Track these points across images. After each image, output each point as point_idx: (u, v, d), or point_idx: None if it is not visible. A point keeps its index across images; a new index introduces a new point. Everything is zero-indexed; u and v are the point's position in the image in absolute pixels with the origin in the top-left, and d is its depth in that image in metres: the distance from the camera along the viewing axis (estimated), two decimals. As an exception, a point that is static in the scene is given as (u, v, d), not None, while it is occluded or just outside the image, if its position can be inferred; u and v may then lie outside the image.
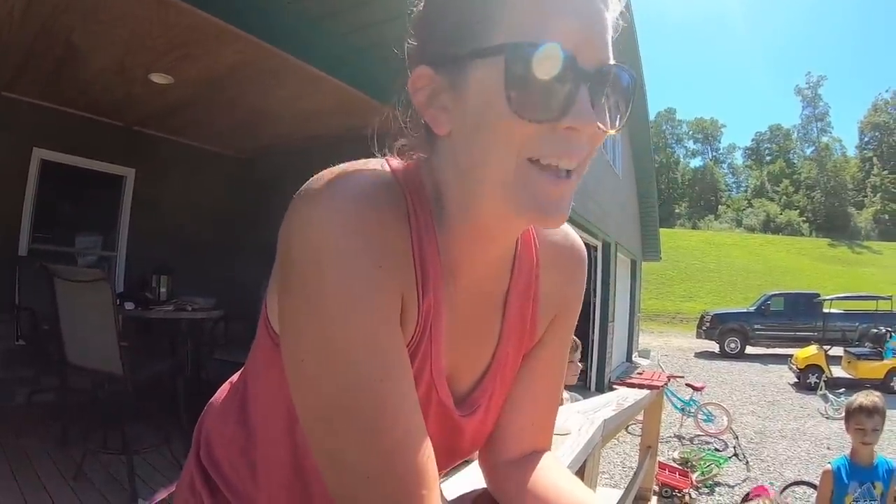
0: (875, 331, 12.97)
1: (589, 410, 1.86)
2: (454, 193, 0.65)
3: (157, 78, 4.89)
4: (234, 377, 0.93)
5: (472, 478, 1.01)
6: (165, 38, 4.09)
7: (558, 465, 0.86)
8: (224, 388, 0.94)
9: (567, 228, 0.85)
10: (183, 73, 4.77)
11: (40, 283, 4.01)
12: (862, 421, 3.12)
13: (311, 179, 0.60)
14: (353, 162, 0.64)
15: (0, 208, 5.58)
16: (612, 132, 0.60)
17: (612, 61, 0.58)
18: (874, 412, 3.10)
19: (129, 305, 4.84)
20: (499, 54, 0.54)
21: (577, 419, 1.67)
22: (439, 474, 0.87)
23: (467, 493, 0.95)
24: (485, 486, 0.91)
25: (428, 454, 0.59)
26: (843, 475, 3.21)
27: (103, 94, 5.49)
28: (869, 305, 17.32)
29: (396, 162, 0.69)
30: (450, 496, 0.97)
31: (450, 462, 0.85)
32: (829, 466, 3.30)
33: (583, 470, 1.53)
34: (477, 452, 0.89)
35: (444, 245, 0.67)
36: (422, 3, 0.66)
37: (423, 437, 0.59)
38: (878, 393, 3.28)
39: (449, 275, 0.69)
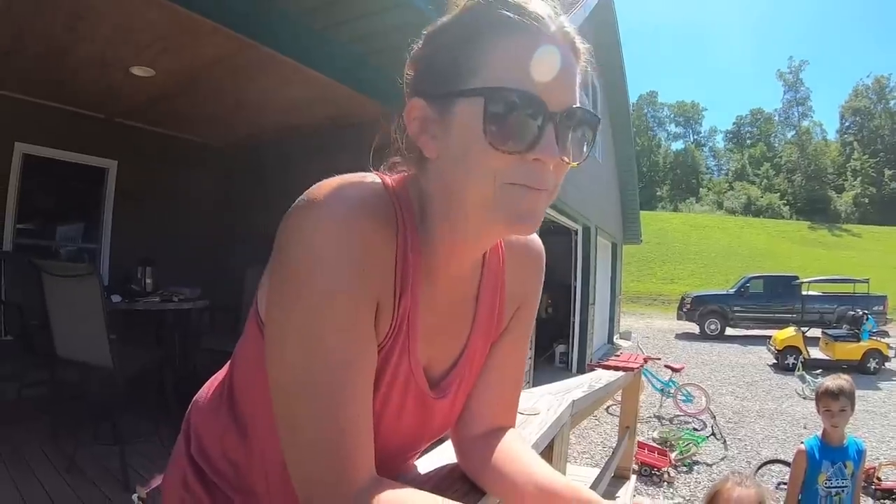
0: (852, 313, 13.17)
1: (560, 391, 1.96)
2: (439, 207, 0.76)
3: (139, 71, 4.91)
4: (220, 372, 1.01)
5: (445, 454, 1.13)
6: (146, 33, 4.13)
7: (520, 440, 0.97)
8: (210, 384, 1.02)
9: None
10: (164, 66, 4.80)
11: (27, 279, 4.05)
12: (829, 403, 3.19)
13: (312, 188, 0.70)
14: (351, 174, 0.74)
15: (-18, 204, 5.56)
16: (575, 164, 0.71)
17: (577, 104, 0.69)
18: (839, 395, 3.16)
19: (115, 298, 4.87)
20: (480, 95, 0.65)
21: (547, 399, 1.77)
22: (418, 450, 1.01)
23: (441, 467, 1.08)
24: (455, 461, 1.03)
25: (369, 440, 0.71)
26: (816, 454, 3.27)
27: (84, 88, 5.49)
28: (847, 288, 17.63)
29: (389, 177, 0.78)
30: (425, 470, 1.09)
31: (426, 438, 0.96)
32: (802, 446, 3.36)
33: (551, 448, 1.63)
34: (449, 430, 1.01)
35: (427, 252, 0.78)
36: (420, 43, 0.76)
37: (369, 424, 0.72)
38: (846, 377, 3.34)
39: (428, 278, 0.80)
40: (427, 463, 1.12)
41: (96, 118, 6.41)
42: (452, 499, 0.74)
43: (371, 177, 0.77)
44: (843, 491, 3.16)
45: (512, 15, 0.66)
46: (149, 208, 6.80)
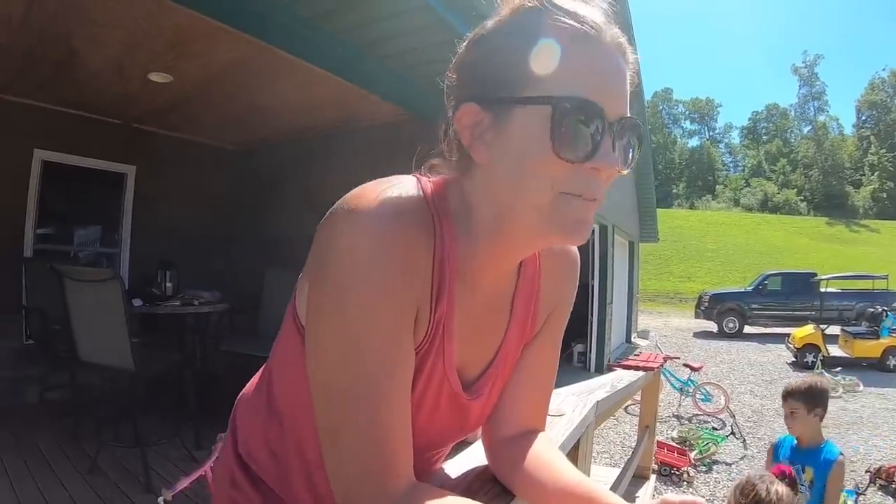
0: (871, 310, 12.97)
1: (583, 392, 1.96)
2: (484, 214, 0.75)
3: (156, 77, 4.95)
4: (260, 372, 1.02)
5: (475, 456, 1.12)
6: (162, 39, 4.16)
7: (549, 444, 0.97)
8: (252, 382, 1.04)
9: None
10: (181, 71, 4.83)
11: (49, 284, 4.09)
12: (783, 403, 3.13)
13: (351, 193, 0.71)
14: (389, 179, 0.74)
15: (4, 210, 5.64)
16: (625, 173, 0.72)
17: (628, 113, 0.69)
18: (787, 396, 3.08)
19: (136, 302, 4.92)
20: (545, 104, 0.65)
21: (572, 401, 1.77)
22: (448, 448, 1.02)
23: (472, 469, 1.08)
24: (486, 463, 1.03)
25: (408, 445, 0.72)
26: (780, 452, 3.20)
27: (102, 94, 5.55)
28: (866, 285, 17.35)
29: (427, 180, 0.78)
30: (455, 472, 1.10)
31: (456, 437, 0.98)
32: (775, 440, 3.32)
33: (577, 448, 1.62)
34: (479, 432, 1.02)
35: (467, 257, 0.78)
36: (465, 47, 0.76)
37: (408, 430, 0.72)
38: (809, 378, 3.22)
39: (466, 283, 0.80)
40: (458, 465, 1.12)
41: (114, 124, 6.48)
42: (482, 501, 0.76)
43: (408, 181, 0.76)
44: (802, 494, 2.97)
45: (572, 23, 0.67)
46: (167, 212, 6.84)
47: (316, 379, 0.71)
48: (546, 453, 0.92)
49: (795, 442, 3.15)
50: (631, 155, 0.72)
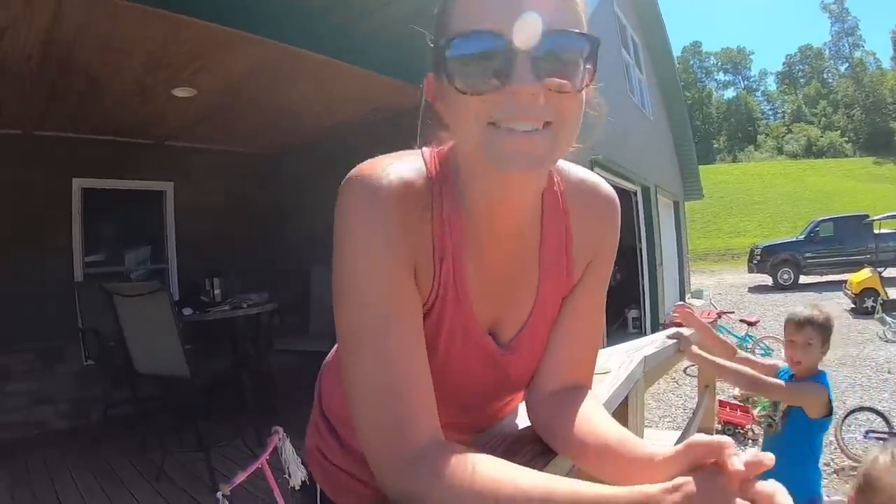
0: None
1: (631, 349, 1.91)
2: (464, 170, 0.80)
3: (181, 92, 5.00)
4: None
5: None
6: (181, 54, 4.18)
7: (592, 399, 0.92)
8: (332, 350, 1.17)
9: (595, 178, 0.97)
10: (204, 83, 4.86)
11: (99, 303, 4.21)
12: (792, 333, 2.67)
13: (353, 169, 0.78)
14: (389, 154, 0.81)
15: (51, 240, 5.82)
16: (571, 91, 0.67)
17: (556, 29, 0.65)
18: (806, 324, 2.63)
19: (186, 311, 5.03)
20: (444, 48, 0.68)
21: (618, 357, 1.72)
22: (504, 400, 1.06)
23: (515, 427, 1.11)
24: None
25: (429, 402, 0.75)
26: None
27: (130, 117, 5.64)
28: (921, 221, 16.59)
29: (430, 151, 0.84)
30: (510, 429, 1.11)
31: (507, 390, 1.02)
32: (780, 364, 2.87)
33: (626, 405, 1.57)
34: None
35: (469, 214, 0.82)
36: None
37: (427, 386, 0.76)
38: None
39: (475, 240, 0.83)
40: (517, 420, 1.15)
41: (146, 144, 6.59)
42: (523, 462, 0.76)
43: (411, 153, 0.83)
44: (770, 429, 2.74)
45: None
46: (210, 222, 6.97)
47: (337, 327, 0.77)
48: (588, 409, 0.87)
49: (790, 375, 2.72)
50: (580, 70, 0.67)
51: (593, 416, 0.85)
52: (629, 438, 0.76)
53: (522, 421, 1.08)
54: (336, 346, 1.02)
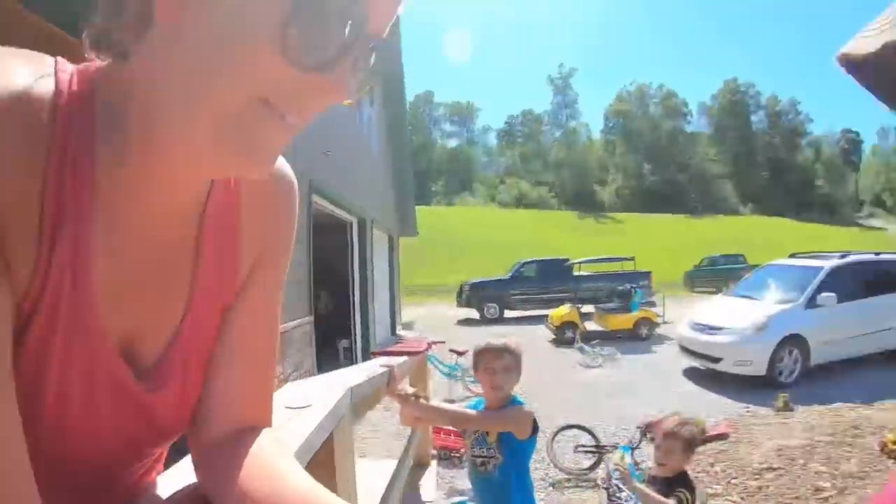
0: (622, 288, 14.69)
1: (336, 379, 1.76)
2: (141, 111, 0.51)
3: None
4: None
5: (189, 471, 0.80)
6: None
7: (276, 446, 0.69)
8: None
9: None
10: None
11: None
12: (491, 360, 2.68)
13: None
14: (12, 52, 0.50)
15: None
16: (347, 103, 0.53)
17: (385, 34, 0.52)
18: (504, 351, 2.67)
19: None
20: None
21: (320, 389, 1.55)
22: (151, 456, 0.74)
23: (181, 489, 0.75)
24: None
25: (17, 460, 0.47)
26: None
27: None
28: (615, 267, 19.21)
29: (78, 67, 0.53)
30: (173, 488, 0.78)
31: (154, 443, 0.70)
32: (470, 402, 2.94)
33: (331, 441, 1.40)
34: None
35: (111, 179, 0.53)
36: None
37: (12, 429, 0.47)
38: (502, 341, 2.75)
39: (112, 216, 0.54)
40: (177, 477, 0.83)
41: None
42: None
43: (38, 66, 0.50)
44: (488, 462, 2.61)
45: None
46: None
47: None
48: (266, 457, 0.64)
49: (483, 406, 2.73)
50: (361, 87, 0.53)
51: (274, 467, 0.63)
52: (318, 494, 0.58)
53: (188, 476, 0.77)
54: None
